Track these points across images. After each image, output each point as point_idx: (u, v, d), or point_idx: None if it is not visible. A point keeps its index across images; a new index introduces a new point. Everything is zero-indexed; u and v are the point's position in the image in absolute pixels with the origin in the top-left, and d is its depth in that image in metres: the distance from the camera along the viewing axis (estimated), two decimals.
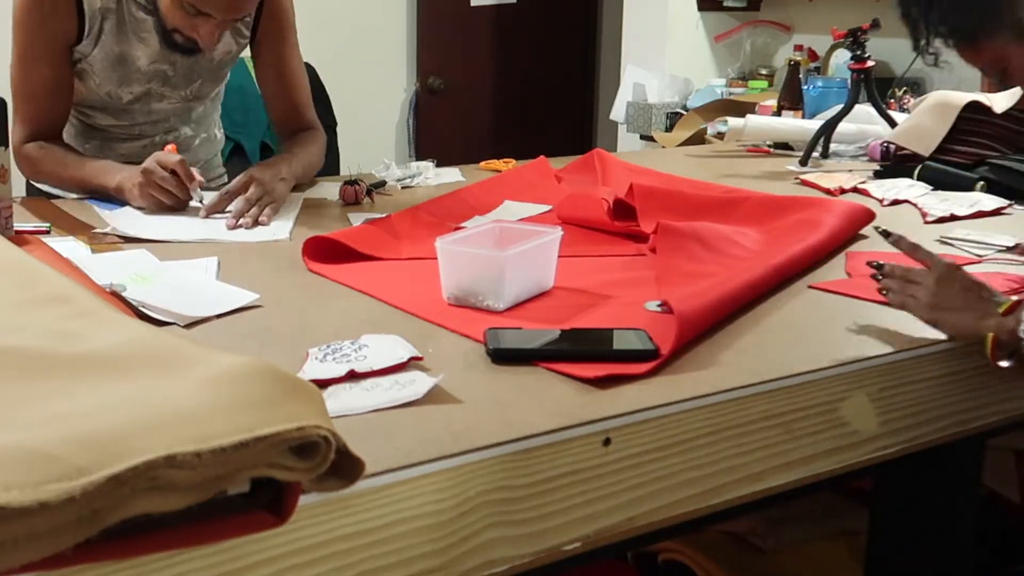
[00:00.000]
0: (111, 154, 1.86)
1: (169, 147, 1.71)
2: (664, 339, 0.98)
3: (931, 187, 1.86)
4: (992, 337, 1.02)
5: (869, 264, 1.15)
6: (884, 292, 1.13)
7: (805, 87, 2.67)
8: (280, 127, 1.98)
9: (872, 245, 1.47)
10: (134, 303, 1.08)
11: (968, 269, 1.34)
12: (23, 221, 1.47)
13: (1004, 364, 1.03)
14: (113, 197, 1.70)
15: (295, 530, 0.67)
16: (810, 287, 1.24)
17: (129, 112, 1.85)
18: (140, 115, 1.87)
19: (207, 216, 1.61)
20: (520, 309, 1.13)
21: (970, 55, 1.19)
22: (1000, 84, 1.26)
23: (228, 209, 1.61)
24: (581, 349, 0.97)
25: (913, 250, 1.15)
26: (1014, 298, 1.04)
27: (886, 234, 1.18)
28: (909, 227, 1.58)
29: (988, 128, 1.96)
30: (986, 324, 1.04)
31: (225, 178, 2.09)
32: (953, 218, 1.64)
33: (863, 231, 1.52)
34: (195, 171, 1.66)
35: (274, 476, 0.59)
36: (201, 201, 1.63)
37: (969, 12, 1.15)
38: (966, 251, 1.45)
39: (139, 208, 1.66)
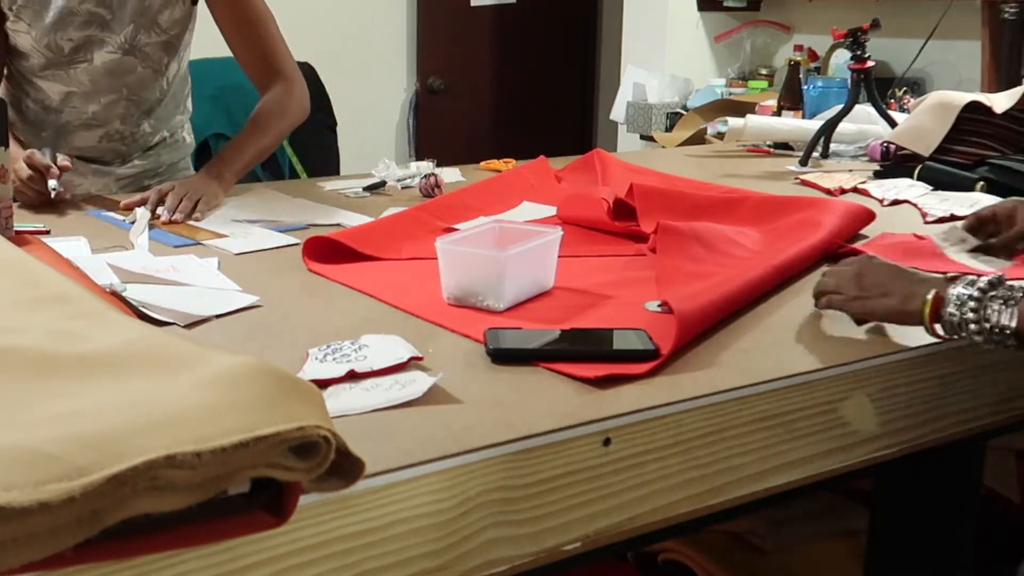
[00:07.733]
0: (64, 147, 1.80)
1: (62, 159, 1.66)
2: (664, 339, 0.98)
3: (931, 187, 1.86)
4: (933, 298, 0.98)
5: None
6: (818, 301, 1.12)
7: (805, 87, 2.67)
8: (252, 78, 1.86)
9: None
10: (134, 303, 1.08)
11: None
12: (23, 221, 1.47)
13: (941, 333, 1.00)
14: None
15: (295, 530, 0.67)
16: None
17: (72, 74, 1.75)
18: (84, 76, 1.76)
19: (127, 208, 1.59)
20: (520, 309, 1.13)
21: None
22: None
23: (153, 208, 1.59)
24: (581, 349, 0.97)
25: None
26: (951, 273, 1.02)
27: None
28: (909, 227, 1.58)
29: (988, 128, 1.96)
30: (921, 290, 1.00)
31: None
32: (953, 218, 1.64)
33: (863, 231, 1.52)
34: (63, 158, 1.64)
35: (274, 476, 0.59)
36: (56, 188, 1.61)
37: None
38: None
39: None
